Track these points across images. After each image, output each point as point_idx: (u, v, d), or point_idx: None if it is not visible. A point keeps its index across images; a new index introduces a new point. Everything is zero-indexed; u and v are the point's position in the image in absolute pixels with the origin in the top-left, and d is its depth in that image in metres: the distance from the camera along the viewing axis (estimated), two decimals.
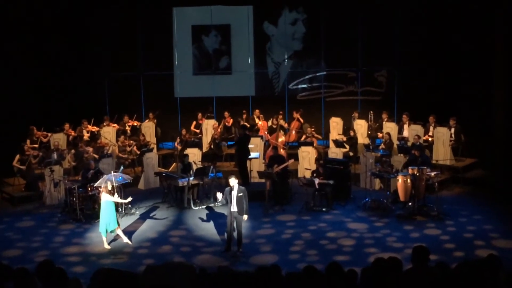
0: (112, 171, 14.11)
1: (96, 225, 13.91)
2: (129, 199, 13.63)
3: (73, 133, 18.85)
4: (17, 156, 16.84)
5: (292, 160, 15.97)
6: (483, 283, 6.39)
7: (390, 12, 20.17)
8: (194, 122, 20.08)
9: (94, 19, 20.48)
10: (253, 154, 16.62)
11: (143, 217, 14.75)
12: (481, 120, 17.46)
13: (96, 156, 17.17)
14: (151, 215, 14.95)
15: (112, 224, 12.69)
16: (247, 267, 10.94)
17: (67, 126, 18.84)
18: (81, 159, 17.18)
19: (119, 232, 12.89)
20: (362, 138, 18.61)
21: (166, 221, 14.45)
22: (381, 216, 14.28)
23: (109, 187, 12.87)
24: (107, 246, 12.74)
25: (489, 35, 17.23)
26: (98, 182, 13.49)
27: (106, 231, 12.71)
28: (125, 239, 12.91)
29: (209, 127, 19.55)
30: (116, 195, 13.10)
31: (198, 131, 19.88)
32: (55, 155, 16.79)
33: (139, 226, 14.12)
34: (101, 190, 13.06)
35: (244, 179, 15.88)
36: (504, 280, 6.51)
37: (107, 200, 12.69)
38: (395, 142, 17.64)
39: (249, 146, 16.58)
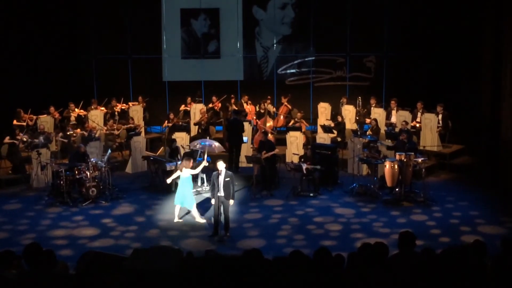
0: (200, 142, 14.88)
1: (83, 208, 13.96)
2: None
3: (57, 116, 18.73)
4: (7, 138, 16.72)
5: (277, 150, 15.91)
6: (469, 269, 6.44)
7: None
8: (183, 106, 19.99)
9: (82, 1, 20.31)
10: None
11: (131, 201, 14.71)
12: (469, 106, 17.52)
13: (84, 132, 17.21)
14: (139, 199, 14.91)
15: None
16: (234, 251, 10.98)
17: (52, 108, 18.72)
18: (68, 142, 17.10)
19: (177, 209, 13.16)
20: (350, 124, 18.64)
21: (153, 205, 14.43)
22: (368, 202, 14.33)
23: (191, 163, 13.25)
24: (201, 220, 13.13)
25: (477, 22, 17.25)
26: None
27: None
28: (176, 218, 13.19)
29: (197, 111, 19.50)
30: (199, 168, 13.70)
31: (186, 109, 19.82)
32: (41, 138, 16.68)
33: (126, 209, 14.09)
34: (182, 164, 13.24)
35: (231, 165, 15.82)
36: (489, 265, 6.57)
37: (188, 177, 13.03)
38: (383, 128, 17.69)
39: (242, 131, 16.55)
